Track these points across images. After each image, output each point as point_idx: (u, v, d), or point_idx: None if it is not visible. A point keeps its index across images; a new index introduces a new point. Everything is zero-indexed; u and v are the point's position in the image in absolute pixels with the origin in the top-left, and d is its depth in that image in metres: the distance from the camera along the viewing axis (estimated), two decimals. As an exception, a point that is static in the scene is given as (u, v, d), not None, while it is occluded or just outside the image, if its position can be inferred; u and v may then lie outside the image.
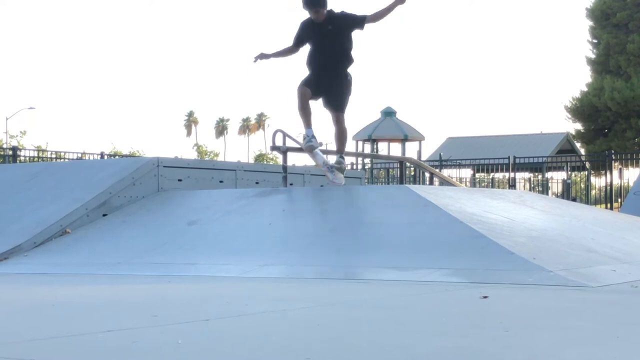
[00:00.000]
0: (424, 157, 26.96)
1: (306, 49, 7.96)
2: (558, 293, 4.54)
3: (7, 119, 45.11)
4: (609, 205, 20.10)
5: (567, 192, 23.70)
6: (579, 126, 39.15)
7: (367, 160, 24.73)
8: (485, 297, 4.26)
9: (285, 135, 8.73)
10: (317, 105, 8.10)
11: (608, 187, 20.75)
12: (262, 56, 7.92)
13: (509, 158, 21.98)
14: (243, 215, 7.19)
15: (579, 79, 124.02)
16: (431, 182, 13.99)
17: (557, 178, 26.74)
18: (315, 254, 6.05)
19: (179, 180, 8.43)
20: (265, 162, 42.88)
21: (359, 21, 7.75)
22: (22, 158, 20.41)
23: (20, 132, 38.06)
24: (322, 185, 9.60)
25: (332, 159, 8.46)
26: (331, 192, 7.86)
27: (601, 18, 38.34)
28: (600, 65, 38.37)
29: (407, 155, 25.03)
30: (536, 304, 4.16)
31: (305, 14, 7.80)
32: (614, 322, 3.50)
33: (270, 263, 5.95)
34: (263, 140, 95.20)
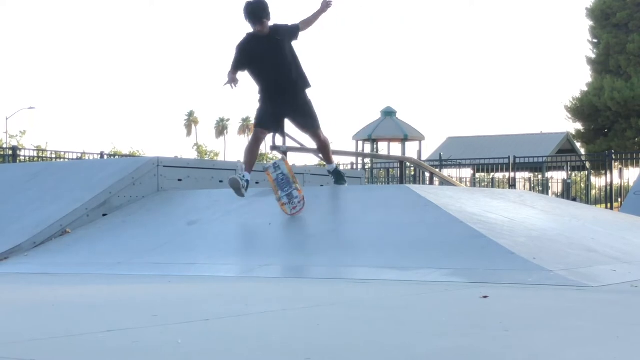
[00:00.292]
0: (424, 157, 26.96)
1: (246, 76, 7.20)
2: (558, 293, 4.54)
3: (7, 118, 45.12)
4: (609, 205, 20.10)
5: (567, 192, 23.69)
6: (579, 126, 39.15)
7: (367, 160, 24.73)
8: (485, 297, 4.26)
9: (285, 135, 8.73)
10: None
11: (608, 187, 20.74)
12: (230, 80, 7.04)
13: (509, 158, 21.98)
14: (243, 215, 7.20)
15: (579, 78, 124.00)
16: (431, 182, 14.00)
17: (557, 178, 26.74)
18: (315, 253, 6.05)
19: (179, 180, 8.43)
20: (265, 162, 42.85)
21: (294, 31, 7.16)
22: (22, 158, 20.41)
23: (20, 132, 38.02)
24: (322, 185, 9.60)
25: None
26: (331, 192, 7.86)
27: (601, 18, 38.34)
28: (601, 65, 38.37)
29: (407, 155, 25.04)
30: (536, 304, 4.16)
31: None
32: (614, 322, 3.50)
33: (270, 263, 5.96)
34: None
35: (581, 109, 37.82)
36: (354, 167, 23.18)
